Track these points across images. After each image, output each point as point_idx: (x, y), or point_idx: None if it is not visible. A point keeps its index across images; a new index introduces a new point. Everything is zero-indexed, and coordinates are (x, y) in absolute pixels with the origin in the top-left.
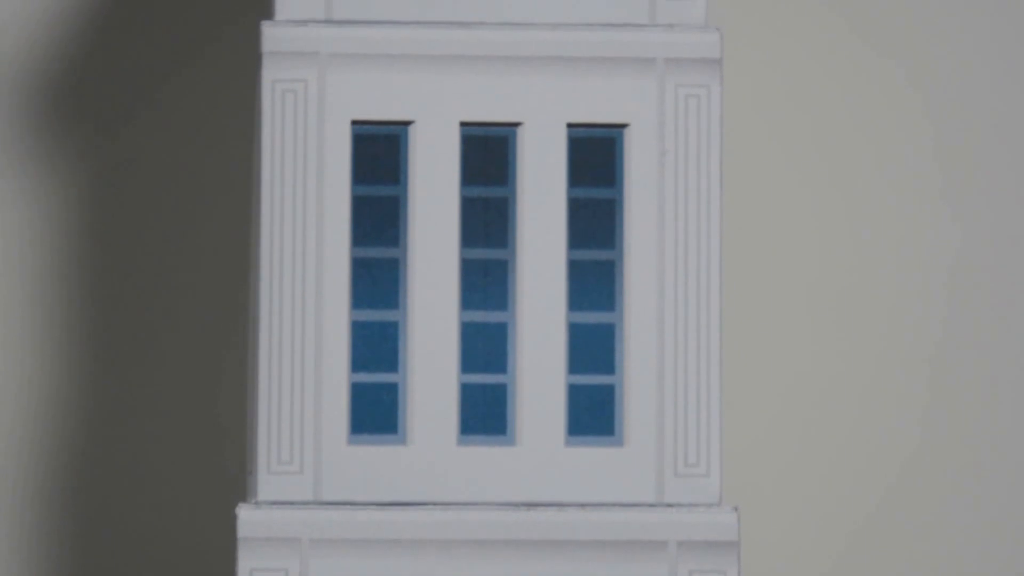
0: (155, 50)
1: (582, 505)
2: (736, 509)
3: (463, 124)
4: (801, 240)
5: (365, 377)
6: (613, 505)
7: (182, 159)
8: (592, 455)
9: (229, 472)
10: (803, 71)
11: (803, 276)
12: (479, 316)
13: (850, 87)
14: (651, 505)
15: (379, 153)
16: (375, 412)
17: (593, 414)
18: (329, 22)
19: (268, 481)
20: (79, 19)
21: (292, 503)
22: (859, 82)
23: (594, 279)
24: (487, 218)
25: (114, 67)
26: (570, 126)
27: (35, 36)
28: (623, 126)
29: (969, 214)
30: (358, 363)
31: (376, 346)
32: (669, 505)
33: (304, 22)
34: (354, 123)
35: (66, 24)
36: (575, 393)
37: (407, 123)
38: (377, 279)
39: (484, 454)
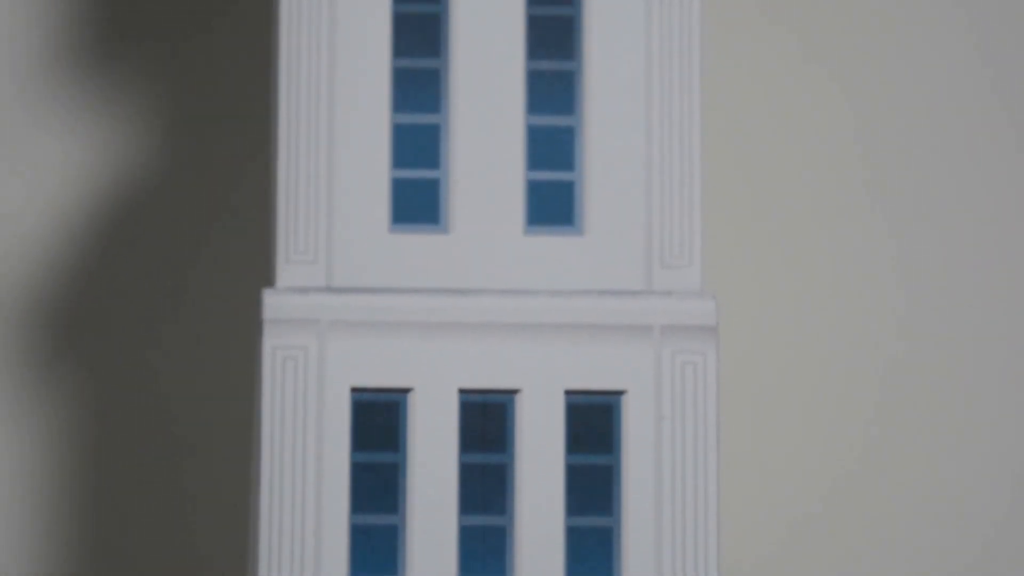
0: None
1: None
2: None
3: (462, 391)
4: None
5: None
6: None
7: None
8: None
9: None
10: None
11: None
12: None
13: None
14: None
15: (379, 420)
16: None
17: None
18: (329, 289)
19: None
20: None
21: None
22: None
23: (592, 547)
24: (485, 485)
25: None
26: (568, 393)
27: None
28: (621, 393)
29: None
30: None
31: None
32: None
33: (305, 290)
34: (354, 390)
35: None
36: None
37: (406, 390)
38: (376, 547)
39: None
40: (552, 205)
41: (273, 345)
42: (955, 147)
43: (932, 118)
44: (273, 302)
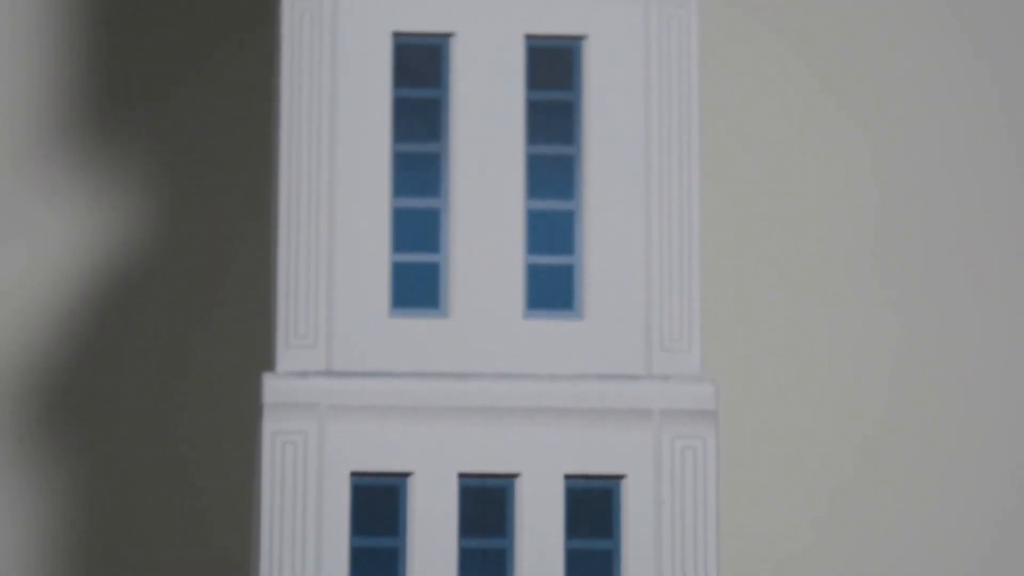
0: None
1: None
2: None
3: (462, 475)
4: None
5: None
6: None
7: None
8: None
9: None
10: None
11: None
12: None
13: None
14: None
15: (378, 504)
16: None
17: None
18: (329, 373)
19: None
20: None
21: None
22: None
23: None
24: (485, 570)
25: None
26: (568, 477)
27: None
28: (620, 477)
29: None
30: None
31: None
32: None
33: (305, 374)
34: (353, 474)
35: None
36: None
37: (406, 475)
38: None
39: None
40: (552, 289)
41: (273, 429)
42: (969, 224)
43: (942, 194)
44: (273, 386)
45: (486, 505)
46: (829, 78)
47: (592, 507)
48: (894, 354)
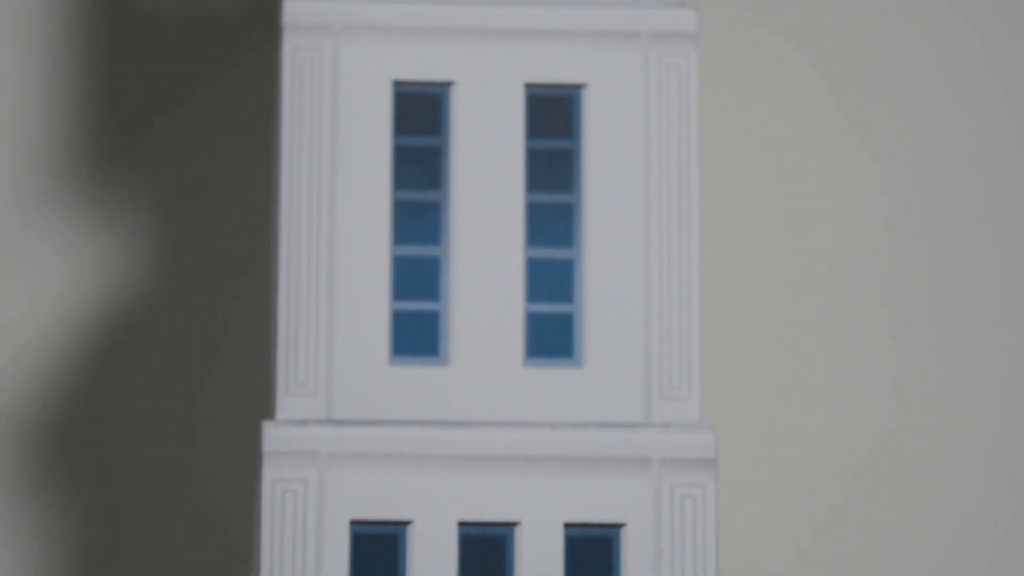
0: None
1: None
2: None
3: (461, 524)
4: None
5: None
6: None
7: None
8: None
9: None
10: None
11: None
12: None
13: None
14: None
15: (378, 553)
16: None
17: None
18: (329, 422)
19: None
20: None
21: None
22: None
23: None
24: None
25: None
26: (567, 526)
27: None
28: (620, 526)
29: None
30: None
31: None
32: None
33: (305, 422)
34: (353, 523)
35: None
36: None
37: (406, 523)
38: None
39: None
40: (551, 337)
41: (273, 478)
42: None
43: (950, 256)
44: (273, 434)
45: (486, 553)
46: (834, 136)
47: (592, 556)
48: (894, 402)
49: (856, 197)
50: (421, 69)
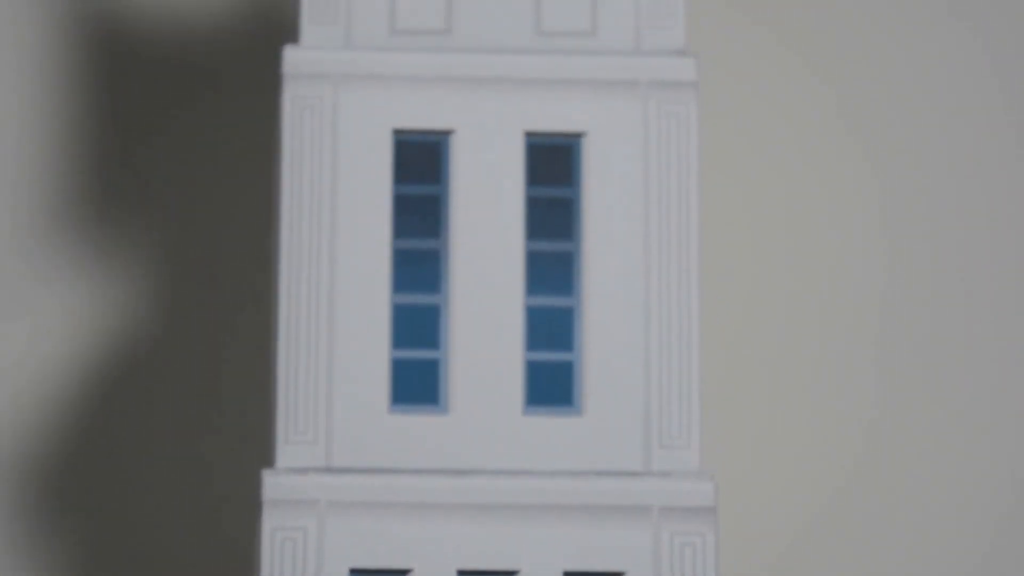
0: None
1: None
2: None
3: (461, 572)
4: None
5: None
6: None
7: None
8: None
9: None
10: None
11: None
12: None
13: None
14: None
15: None
16: None
17: None
18: (329, 470)
19: None
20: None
21: None
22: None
23: None
24: None
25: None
26: (567, 574)
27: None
28: (619, 574)
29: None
30: None
31: None
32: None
33: (304, 470)
34: (353, 571)
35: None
36: None
37: (405, 572)
38: None
39: None
40: (551, 385)
41: (273, 526)
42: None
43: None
44: (273, 482)
45: None
46: (833, 163)
47: None
48: (894, 448)
49: (864, 236)
50: (421, 118)
